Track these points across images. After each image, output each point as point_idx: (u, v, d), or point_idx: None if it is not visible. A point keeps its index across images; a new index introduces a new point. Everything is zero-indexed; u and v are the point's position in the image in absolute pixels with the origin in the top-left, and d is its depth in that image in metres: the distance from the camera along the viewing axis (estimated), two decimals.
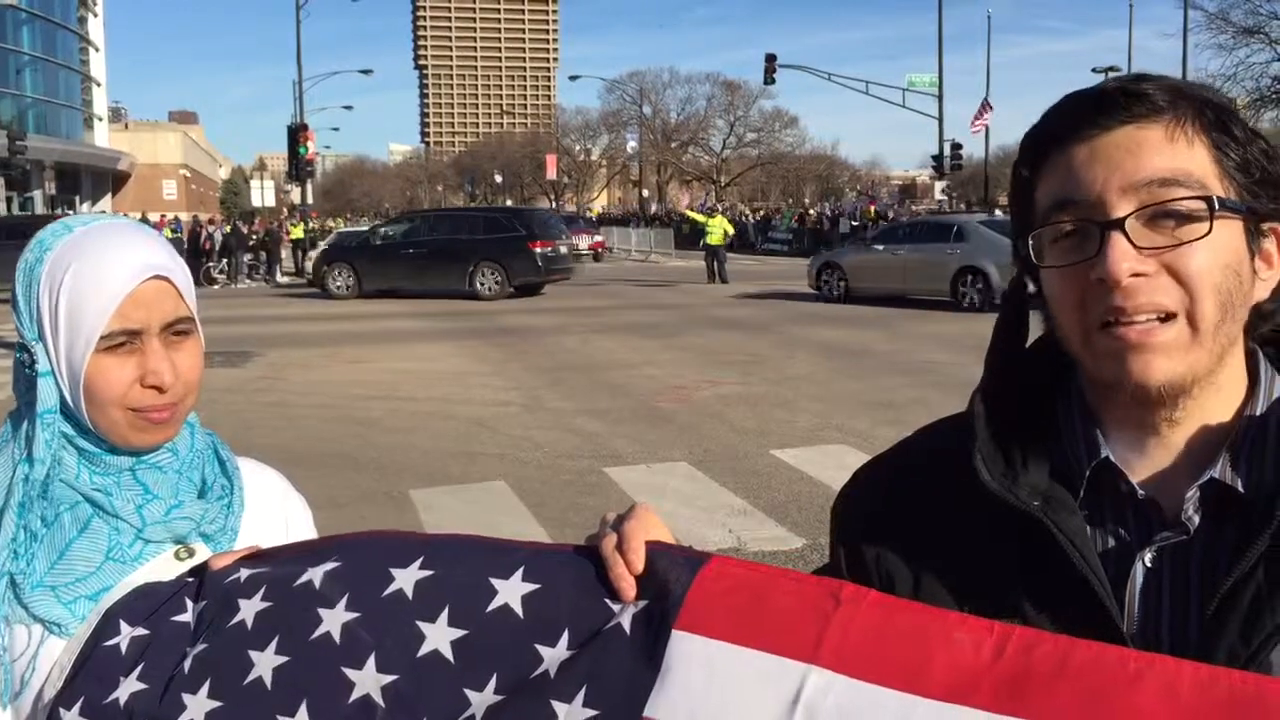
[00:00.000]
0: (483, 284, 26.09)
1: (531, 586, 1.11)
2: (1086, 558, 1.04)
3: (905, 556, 1.16)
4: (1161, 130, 1.03)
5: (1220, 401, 1.07)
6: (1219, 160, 1.03)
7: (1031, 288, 1.16)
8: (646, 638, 1.04)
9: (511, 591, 1.11)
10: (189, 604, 1.27)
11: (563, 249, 27.67)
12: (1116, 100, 1.04)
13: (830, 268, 24.95)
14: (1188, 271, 1.01)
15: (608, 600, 1.08)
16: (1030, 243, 1.08)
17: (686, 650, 1.02)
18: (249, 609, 1.22)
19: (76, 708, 1.23)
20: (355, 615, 1.16)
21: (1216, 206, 1.01)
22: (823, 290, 24.76)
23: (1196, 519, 1.04)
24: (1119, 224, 1.01)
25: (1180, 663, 0.89)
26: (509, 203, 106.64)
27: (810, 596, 1.02)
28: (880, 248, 24.30)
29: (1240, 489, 1.04)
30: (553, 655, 1.07)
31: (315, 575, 1.20)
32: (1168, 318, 1.01)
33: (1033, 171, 1.10)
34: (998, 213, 42.77)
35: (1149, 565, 1.05)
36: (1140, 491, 1.07)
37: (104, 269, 1.34)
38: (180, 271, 1.41)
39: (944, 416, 1.26)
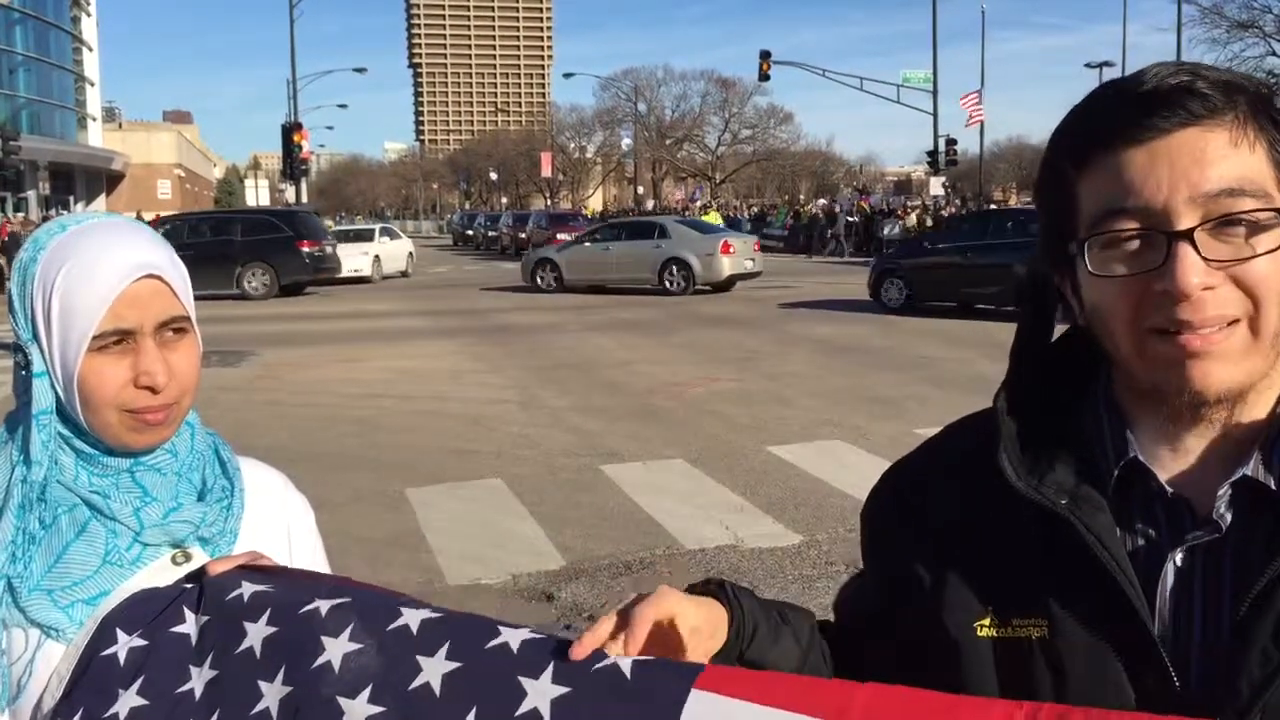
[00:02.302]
0: (251, 284, 27.08)
1: (535, 635, 1.09)
2: (1115, 557, 1.02)
3: (933, 561, 1.14)
4: (1225, 134, 0.99)
5: (1253, 399, 1.05)
6: (1276, 162, 1.00)
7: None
8: (662, 693, 1.01)
9: (512, 633, 1.09)
10: (189, 614, 1.25)
11: (328, 249, 29.26)
12: (1174, 99, 0.99)
13: (544, 263, 28.24)
14: (1255, 281, 0.98)
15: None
16: (1085, 249, 1.03)
17: (706, 710, 0.99)
18: (256, 634, 1.20)
19: (75, 719, 1.22)
20: (358, 646, 1.14)
21: None
22: (538, 283, 27.87)
23: (1229, 517, 1.02)
24: (1188, 235, 0.97)
25: None
26: (504, 200, 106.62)
27: (822, 701, 0.97)
28: (589, 244, 28.11)
29: (1273, 486, 1.01)
30: (536, 687, 1.04)
31: (323, 605, 1.19)
32: (1230, 323, 0.99)
33: (1077, 170, 1.04)
34: (993, 209, 42.87)
35: (1180, 565, 1.03)
36: (1170, 490, 1.05)
37: (97, 268, 1.32)
38: (176, 271, 1.39)
39: (967, 415, 1.24)
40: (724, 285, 26.29)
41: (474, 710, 1.05)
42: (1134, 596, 1.01)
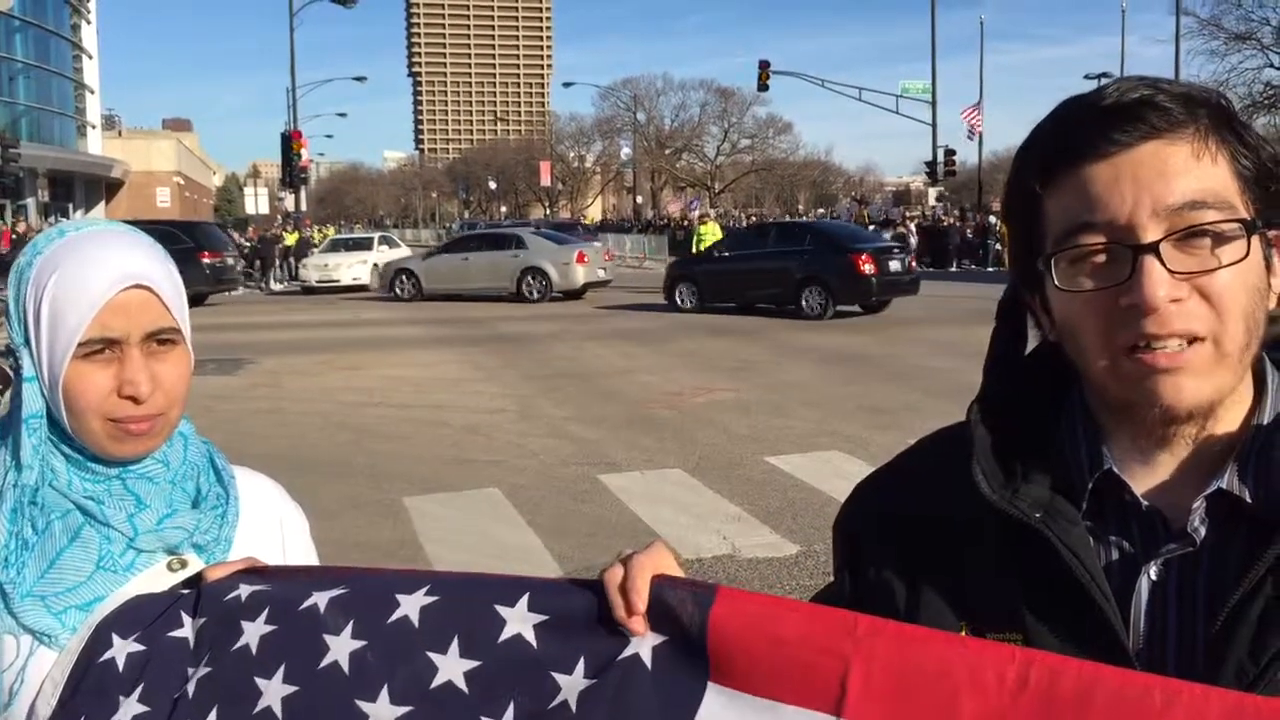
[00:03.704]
0: None
1: (540, 617, 1.10)
2: (1089, 569, 1.02)
3: (908, 573, 1.14)
4: (1187, 147, 0.99)
5: (1224, 413, 1.05)
6: (1238, 173, 1.01)
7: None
8: (680, 687, 1.03)
9: (521, 620, 1.10)
10: (186, 619, 1.26)
11: (229, 260, 29.90)
12: (1136, 113, 1.00)
13: (404, 273, 29.36)
14: (1218, 295, 0.99)
15: (619, 630, 1.07)
16: (1052, 264, 1.03)
17: (719, 704, 1.01)
18: (253, 632, 1.20)
19: None
20: (362, 643, 1.15)
21: (1254, 229, 1.00)
22: (397, 292, 28.91)
23: (1203, 530, 1.02)
24: (1154, 248, 0.98)
25: (1207, 690, 0.87)
26: (504, 209, 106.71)
27: (826, 634, 0.99)
28: (447, 255, 29.76)
29: (1248, 500, 1.02)
30: (570, 683, 1.06)
31: (320, 600, 1.19)
32: (1195, 341, 0.99)
33: (1043, 186, 1.05)
34: (992, 219, 42.99)
35: (1154, 578, 1.03)
36: (1144, 502, 1.05)
37: (87, 275, 1.32)
38: (169, 282, 1.39)
39: (941, 428, 1.24)
40: (577, 293, 27.83)
41: (511, 706, 1.07)
42: (1108, 610, 1.01)
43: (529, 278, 27.56)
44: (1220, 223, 0.99)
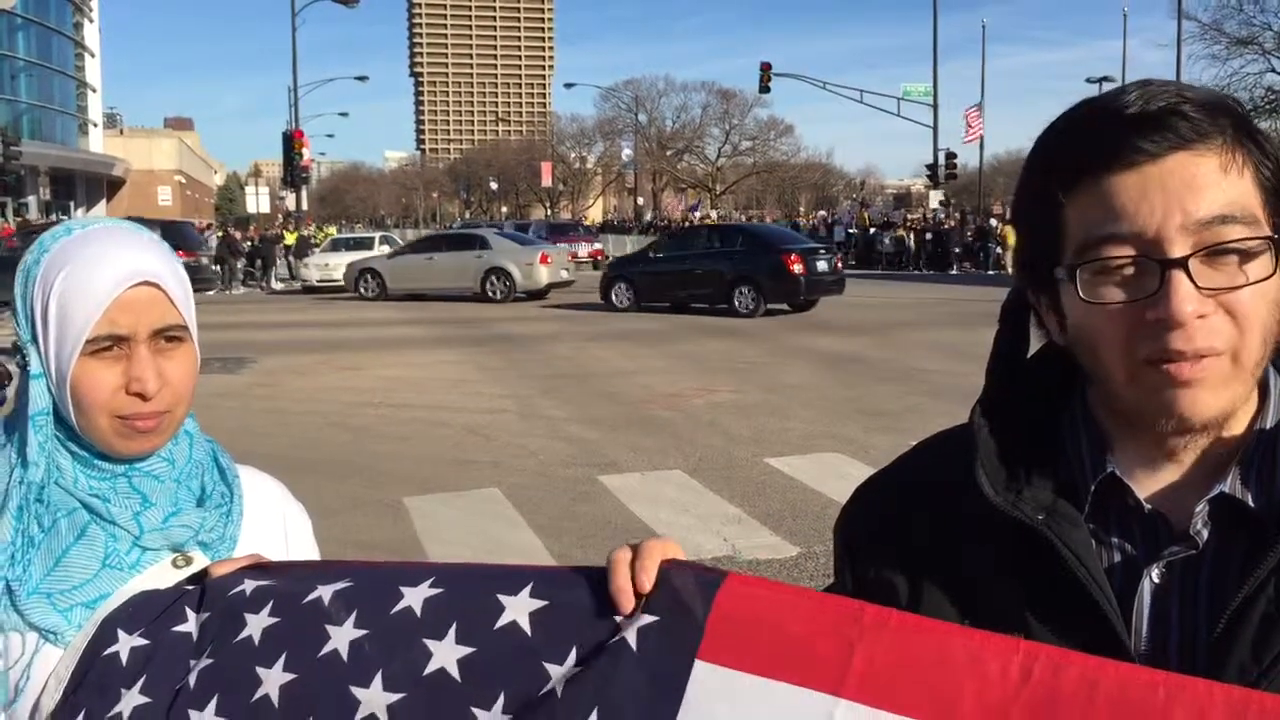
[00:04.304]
0: None
1: (539, 603, 1.10)
2: (1091, 571, 1.02)
3: (910, 575, 1.14)
4: (1215, 159, 0.98)
5: (1230, 420, 1.04)
6: (1261, 184, 1.00)
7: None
8: (666, 665, 1.03)
9: (519, 608, 1.10)
10: (190, 614, 1.26)
11: (204, 260, 30.59)
12: (1164, 123, 0.98)
13: (368, 273, 29.72)
14: (1243, 310, 0.98)
15: (614, 616, 1.07)
16: (1078, 275, 1.02)
17: (710, 681, 1.01)
18: (256, 624, 1.21)
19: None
20: (363, 632, 1.15)
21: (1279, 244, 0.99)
22: (361, 292, 29.32)
23: (1205, 533, 1.02)
24: (1183, 264, 0.96)
25: (1211, 685, 0.87)
26: (504, 210, 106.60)
27: (832, 620, 1.00)
28: (413, 255, 30.19)
29: (1250, 504, 1.02)
30: (560, 673, 1.06)
31: (325, 593, 1.19)
32: (1216, 354, 0.99)
33: (1065, 194, 1.02)
34: (993, 222, 42.96)
35: (1156, 581, 1.03)
36: (1147, 505, 1.05)
37: (95, 272, 1.33)
38: (176, 280, 1.40)
39: (944, 429, 1.24)
40: (541, 293, 28.33)
41: (501, 696, 1.08)
42: (1110, 612, 1.01)
43: (492, 278, 27.92)
44: (1249, 239, 0.98)
